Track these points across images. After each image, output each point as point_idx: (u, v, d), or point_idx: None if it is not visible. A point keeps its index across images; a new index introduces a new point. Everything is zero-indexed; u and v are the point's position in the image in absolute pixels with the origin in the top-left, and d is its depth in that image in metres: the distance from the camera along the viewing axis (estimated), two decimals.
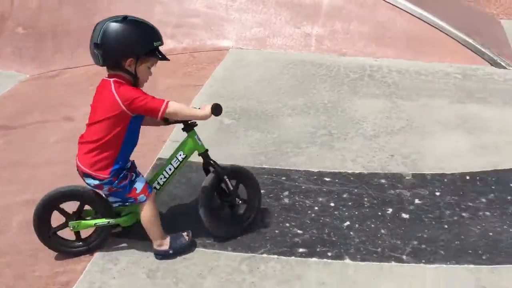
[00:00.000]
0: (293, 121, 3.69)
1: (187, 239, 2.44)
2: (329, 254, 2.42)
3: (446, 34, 4.59)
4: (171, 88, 4.25)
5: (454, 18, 5.06)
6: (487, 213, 2.68)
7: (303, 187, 2.93)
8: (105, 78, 2.27)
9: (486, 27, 5.54)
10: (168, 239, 2.40)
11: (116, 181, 2.28)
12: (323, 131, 3.54)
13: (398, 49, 4.69)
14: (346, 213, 2.71)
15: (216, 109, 2.35)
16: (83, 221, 2.40)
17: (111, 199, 2.39)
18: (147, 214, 2.35)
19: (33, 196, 2.98)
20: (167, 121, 2.42)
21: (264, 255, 2.41)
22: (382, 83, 4.23)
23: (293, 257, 2.40)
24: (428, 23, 4.65)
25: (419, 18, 4.67)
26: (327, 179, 3.00)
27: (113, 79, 2.22)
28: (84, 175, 2.29)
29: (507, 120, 3.63)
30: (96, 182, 2.27)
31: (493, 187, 2.89)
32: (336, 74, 4.41)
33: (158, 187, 2.44)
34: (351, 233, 2.56)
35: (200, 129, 2.49)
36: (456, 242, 2.48)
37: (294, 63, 4.63)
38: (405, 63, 4.56)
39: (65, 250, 2.45)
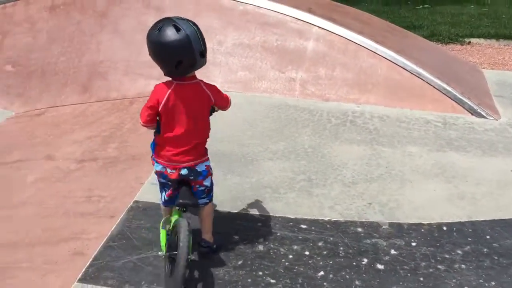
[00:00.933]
0: (273, 165, 3.69)
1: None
2: None
3: (427, 82, 4.67)
4: None
5: (436, 67, 5.17)
6: (463, 266, 2.66)
7: (278, 234, 2.90)
8: (180, 83, 2.39)
9: (467, 76, 5.66)
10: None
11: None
12: (302, 177, 3.54)
13: (380, 95, 4.76)
14: (321, 263, 2.67)
15: None
16: None
17: (203, 200, 2.58)
18: (212, 206, 2.69)
19: (3, 239, 2.94)
20: None
21: None
22: (364, 129, 4.27)
23: None
24: (409, 71, 4.74)
25: (400, 66, 4.76)
26: (303, 226, 2.98)
27: (197, 80, 2.44)
28: (197, 165, 2.48)
29: (485, 170, 3.65)
30: (208, 163, 2.55)
31: (469, 239, 2.87)
32: (319, 119, 4.46)
33: None
34: (325, 283, 2.52)
35: None
36: None
37: (278, 107, 4.68)
38: (387, 110, 4.62)
39: None
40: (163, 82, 2.42)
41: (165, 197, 2.56)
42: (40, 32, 5.39)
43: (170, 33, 2.24)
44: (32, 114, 4.97)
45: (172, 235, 2.41)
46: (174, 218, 2.48)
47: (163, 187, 2.56)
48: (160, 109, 2.38)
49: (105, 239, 2.81)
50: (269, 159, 3.78)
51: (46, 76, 5.25)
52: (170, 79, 2.41)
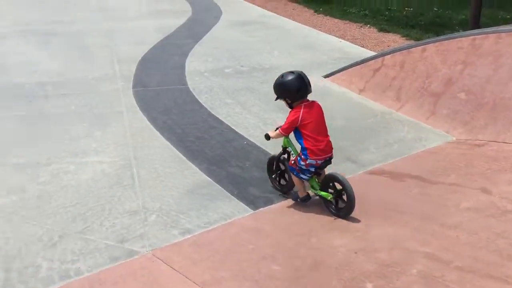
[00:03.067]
0: None
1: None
2: None
3: None
4: None
5: None
6: None
7: None
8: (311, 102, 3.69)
9: None
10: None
11: None
12: None
13: None
14: None
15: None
16: None
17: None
18: None
19: (433, 251, 3.12)
20: None
21: None
22: None
23: None
24: None
25: None
26: None
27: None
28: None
29: None
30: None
31: None
32: None
33: None
34: None
35: None
36: None
37: None
38: None
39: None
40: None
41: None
42: (502, 67, 5.39)
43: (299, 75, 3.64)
44: (472, 144, 5.06)
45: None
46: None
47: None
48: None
49: None
50: None
51: (496, 110, 5.22)
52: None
